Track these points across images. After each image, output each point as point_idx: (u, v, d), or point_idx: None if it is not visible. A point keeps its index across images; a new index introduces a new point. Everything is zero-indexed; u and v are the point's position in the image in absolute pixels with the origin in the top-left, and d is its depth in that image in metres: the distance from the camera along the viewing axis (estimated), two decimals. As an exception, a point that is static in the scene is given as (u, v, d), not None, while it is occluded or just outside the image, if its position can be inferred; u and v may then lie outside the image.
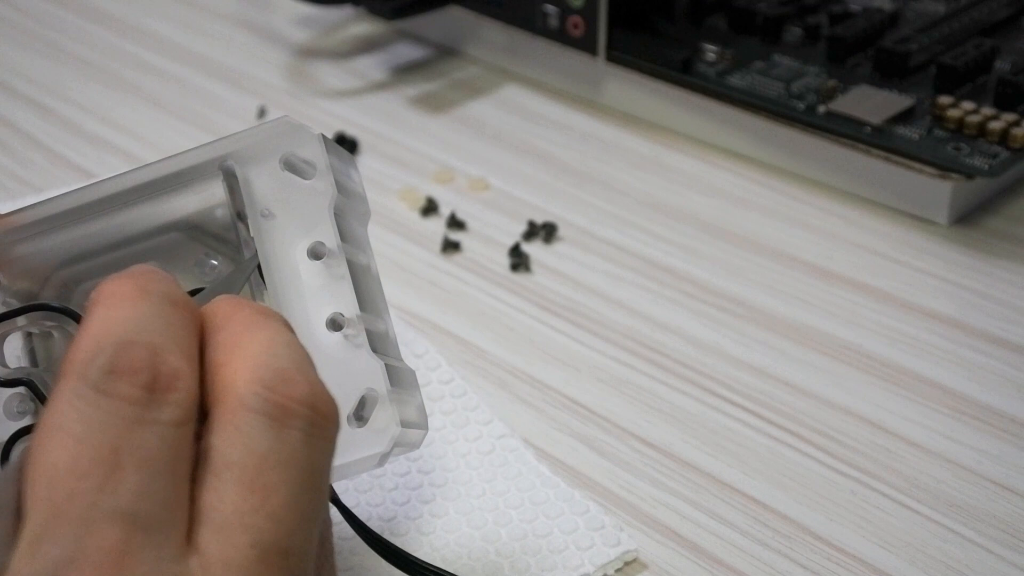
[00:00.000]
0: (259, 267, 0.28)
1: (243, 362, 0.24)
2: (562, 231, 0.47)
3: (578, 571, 0.32)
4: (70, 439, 0.22)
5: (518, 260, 0.45)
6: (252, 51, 0.61)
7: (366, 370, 0.27)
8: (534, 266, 0.45)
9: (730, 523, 0.34)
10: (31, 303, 0.28)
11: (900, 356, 0.40)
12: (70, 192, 0.29)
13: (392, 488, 0.34)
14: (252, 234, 0.28)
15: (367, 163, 0.52)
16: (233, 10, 0.65)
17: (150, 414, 0.22)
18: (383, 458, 0.27)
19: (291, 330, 0.25)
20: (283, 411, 0.23)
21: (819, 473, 0.36)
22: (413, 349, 0.39)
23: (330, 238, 0.28)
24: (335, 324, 0.27)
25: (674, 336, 0.41)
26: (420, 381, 0.38)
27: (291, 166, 0.28)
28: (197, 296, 0.27)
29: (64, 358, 0.23)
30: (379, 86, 0.58)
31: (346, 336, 0.27)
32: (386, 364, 0.28)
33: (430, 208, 0.48)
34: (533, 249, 0.46)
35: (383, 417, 0.27)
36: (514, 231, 0.47)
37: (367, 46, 0.61)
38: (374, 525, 0.33)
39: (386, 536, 0.31)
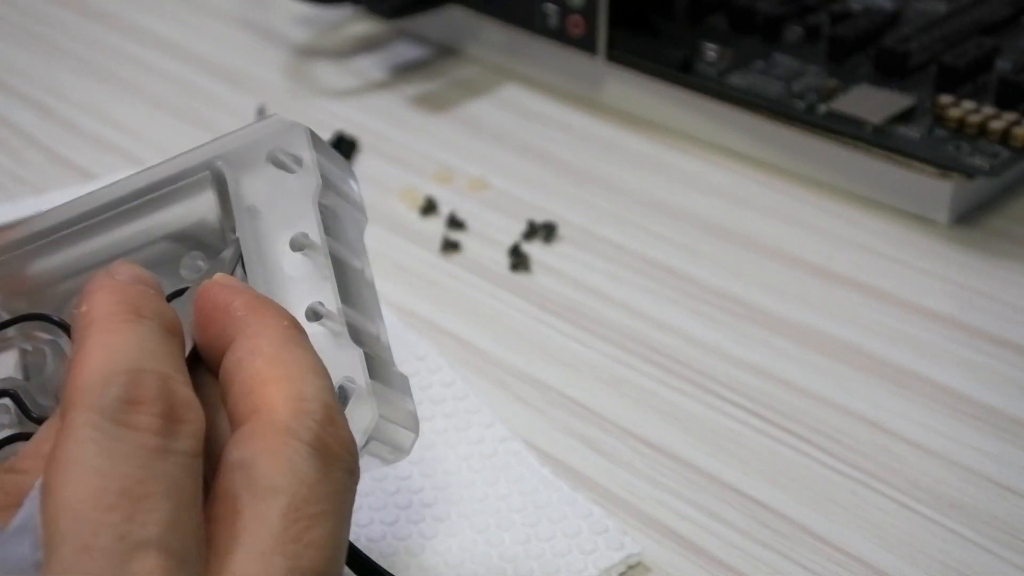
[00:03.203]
0: (243, 264, 0.27)
1: (289, 385, 0.24)
2: (562, 231, 0.47)
3: (582, 575, 0.32)
4: (91, 473, 0.21)
5: (518, 260, 0.45)
6: (252, 51, 0.61)
7: (345, 360, 0.26)
8: (534, 266, 0.45)
9: (730, 523, 0.34)
10: (27, 313, 0.28)
11: (900, 356, 0.40)
12: (63, 205, 0.29)
13: (394, 491, 0.34)
14: (238, 232, 0.28)
15: (367, 163, 0.52)
16: (233, 10, 0.65)
17: (171, 444, 0.22)
18: (359, 450, 0.26)
19: None
20: (330, 451, 0.23)
21: (819, 473, 0.36)
22: (415, 352, 0.39)
23: (313, 230, 0.27)
24: (315, 314, 0.27)
25: (674, 336, 0.41)
26: (422, 384, 0.38)
27: (277, 162, 0.28)
28: (183, 296, 0.27)
29: (67, 386, 0.22)
30: (379, 86, 0.58)
31: (326, 327, 0.27)
32: (375, 361, 0.27)
33: (430, 208, 0.48)
34: (533, 249, 0.46)
35: (360, 410, 0.26)
36: (514, 231, 0.47)
37: (367, 46, 0.61)
38: (376, 529, 0.33)
39: (388, 538, 0.31)
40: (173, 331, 0.24)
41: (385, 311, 0.41)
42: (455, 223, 0.47)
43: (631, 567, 0.33)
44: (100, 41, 0.63)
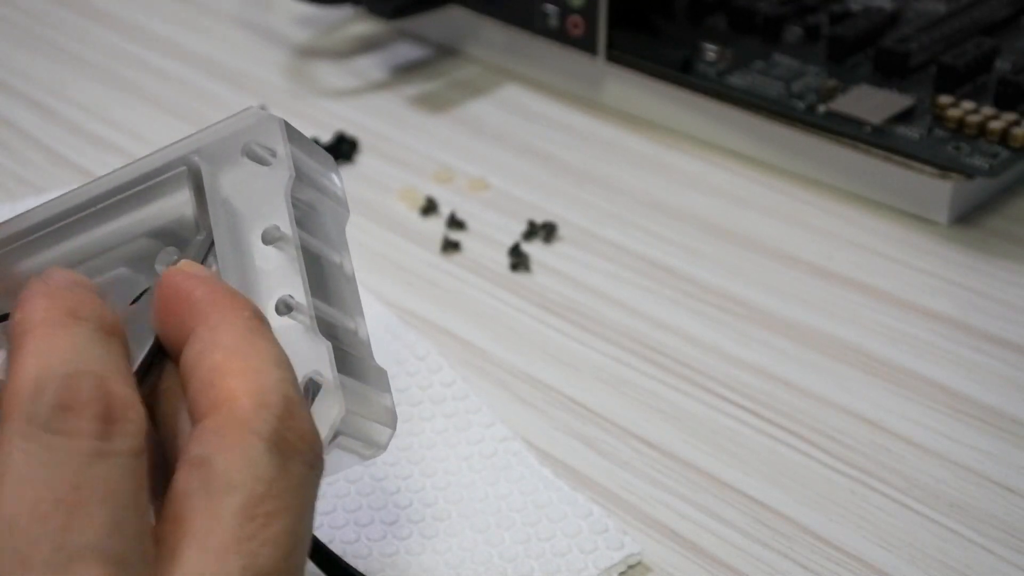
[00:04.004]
0: (216, 255, 0.27)
1: (250, 378, 0.23)
2: (562, 231, 0.47)
3: (582, 575, 0.32)
4: (24, 484, 0.21)
5: (518, 260, 0.45)
6: (252, 51, 0.61)
7: (312, 353, 0.26)
8: (534, 266, 0.45)
9: (730, 523, 0.34)
10: (5, 313, 0.28)
11: (900, 356, 0.40)
12: (43, 204, 0.29)
13: (395, 491, 0.34)
14: (212, 225, 0.27)
15: (367, 163, 0.52)
16: (233, 10, 0.65)
17: (108, 446, 0.22)
18: (325, 446, 0.26)
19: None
20: (289, 446, 0.23)
21: (819, 473, 0.36)
22: (415, 352, 0.39)
23: (284, 222, 0.27)
24: (285, 307, 0.27)
25: (674, 336, 0.41)
26: (422, 384, 0.38)
27: (252, 154, 0.28)
28: (147, 293, 0.26)
29: (3, 396, 0.22)
30: (379, 86, 0.58)
31: (295, 319, 0.26)
32: (349, 357, 0.27)
33: (430, 208, 0.48)
34: (533, 249, 0.46)
35: (326, 404, 0.26)
36: (514, 231, 0.47)
37: (367, 46, 0.61)
38: (376, 529, 0.33)
39: (389, 538, 0.31)
40: (111, 331, 0.24)
41: (385, 311, 0.42)
42: (455, 223, 0.47)
43: (631, 567, 0.33)
44: (100, 41, 0.63)
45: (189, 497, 0.22)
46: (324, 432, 0.25)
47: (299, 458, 0.23)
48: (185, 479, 0.22)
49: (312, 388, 0.26)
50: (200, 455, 0.22)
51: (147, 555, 0.21)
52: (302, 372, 0.26)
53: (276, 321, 0.26)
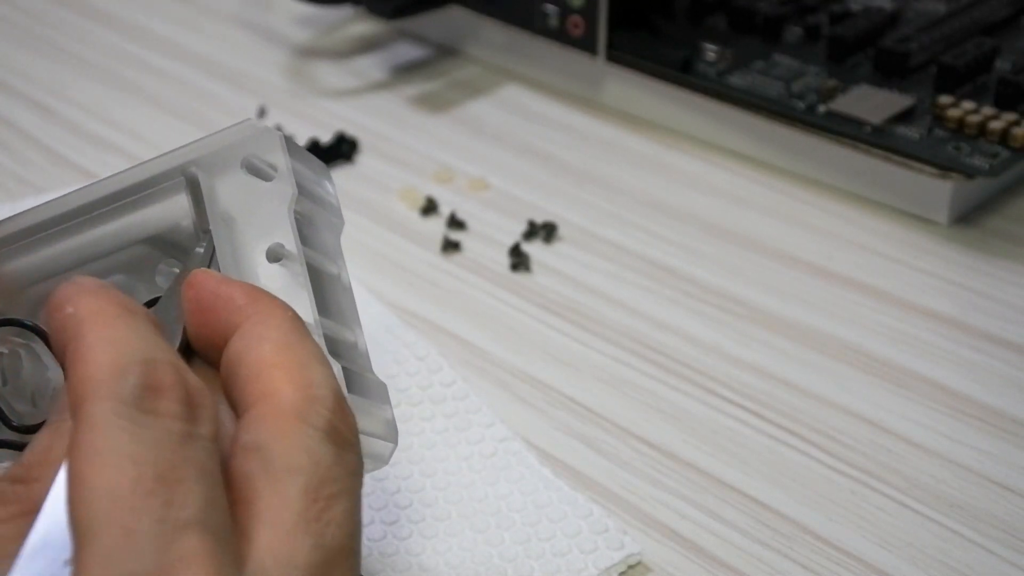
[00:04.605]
0: (218, 268, 0.27)
1: (298, 371, 0.24)
2: (562, 231, 0.47)
3: (582, 575, 0.32)
4: (125, 459, 0.21)
5: (518, 260, 0.45)
6: (252, 51, 0.61)
7: None
8: (534, 266, 0.45)
9: (730, 523, 0.34)
10: (2, 318, 0.28)
11: (900, 356, 0.40)
12: (37, 207, 0.29)
13: (395, 491, 0.34)
14: (214, 241, 0.27)
15: (367, 163, 0.52)
16: (233, 10, 0.65)
17: (195, 428, 0.22)
18: None
19: None
20: (342, 437, 0.24)
21: (819, 473, 0.36)
22: (415, 352, 0.39)
23: (289, 240, 0.27)
24: None
25: (674, 336, 0.41)
26: (422, 384, 0.38)
27: (252, 168, 0.28)
28: (163, 297, 0.27)
29: (74, 382, 0.22)
30: (379, 86, 0.58)
31: None
32: (352, 373, 0.27)
33: (430, 208, 0.48)
34: (533, 249, 0.46)
35: None
36: (514, 231, 0.47)
37: (367, 46, 0.61)
38: (376, 529, 0.33)
39: (389, 538, 0.31)
40: (159, 326, 0.25)
41: (385, 311, 0.42)
42: (455, 223, 0.47)
43: (631, 567, 0.33)
44: (100, 41, 0.63)
45: (251, 481, 0.23)
46: None
47: (351, 448, 0.24)
48: (243, 464, 0.23)
49: None
50: (255, 441, 0.23)
51: (232, 530, 0.22)
52: None
53: None
